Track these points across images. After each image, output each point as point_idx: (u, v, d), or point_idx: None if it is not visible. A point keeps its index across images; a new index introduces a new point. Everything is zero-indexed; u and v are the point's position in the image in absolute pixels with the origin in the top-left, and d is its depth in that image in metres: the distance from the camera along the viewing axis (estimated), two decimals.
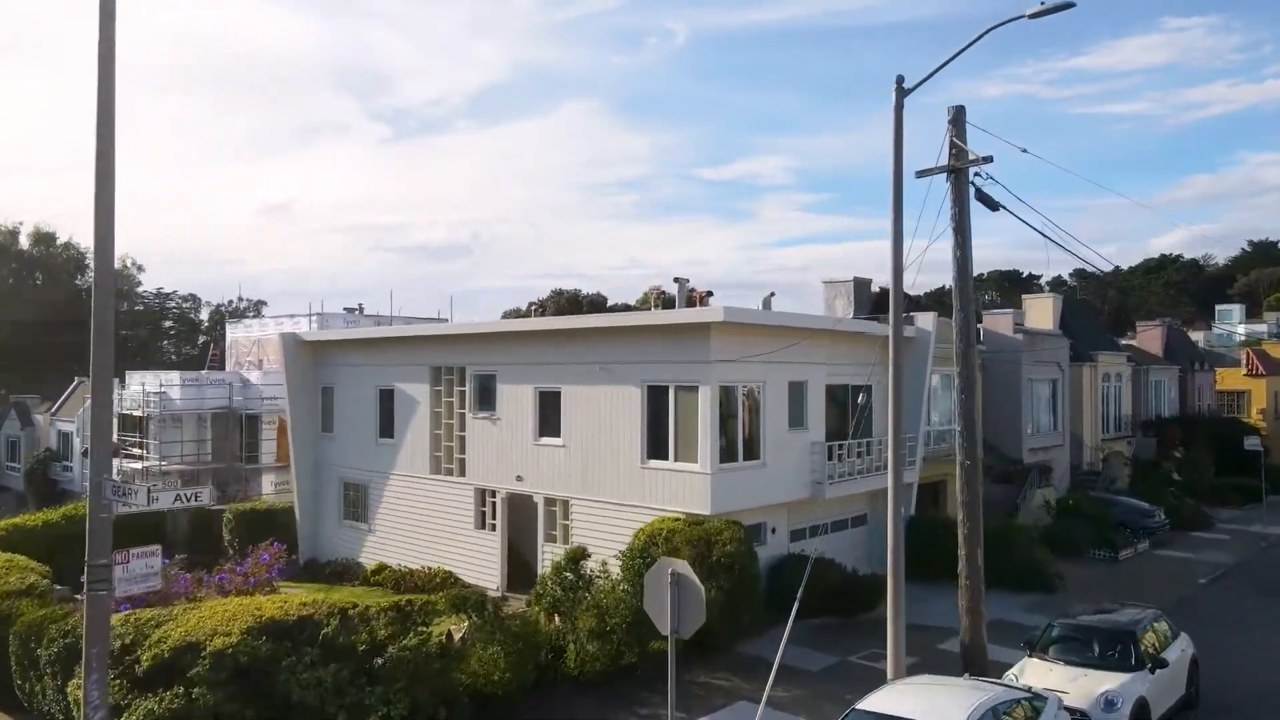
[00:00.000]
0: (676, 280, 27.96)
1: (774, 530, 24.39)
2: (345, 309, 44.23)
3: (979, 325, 35.91)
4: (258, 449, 40.09)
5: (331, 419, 31.96)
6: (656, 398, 22.86)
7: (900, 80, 16.40)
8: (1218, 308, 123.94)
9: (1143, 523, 32.50)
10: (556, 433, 25.02)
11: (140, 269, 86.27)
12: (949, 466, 31.13)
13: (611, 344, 23.71)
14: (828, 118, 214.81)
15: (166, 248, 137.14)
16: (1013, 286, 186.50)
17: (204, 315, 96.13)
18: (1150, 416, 45.92)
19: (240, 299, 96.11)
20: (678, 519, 21.52)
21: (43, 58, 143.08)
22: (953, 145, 17.94)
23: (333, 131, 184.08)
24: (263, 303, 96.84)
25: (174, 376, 40.75)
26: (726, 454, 22.19)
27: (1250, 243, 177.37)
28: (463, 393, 27.62)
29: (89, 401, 46.01)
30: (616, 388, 23.56)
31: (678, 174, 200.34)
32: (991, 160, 17.44)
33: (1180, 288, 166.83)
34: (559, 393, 24.96)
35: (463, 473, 27.57)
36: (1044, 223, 31.46)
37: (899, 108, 16.47)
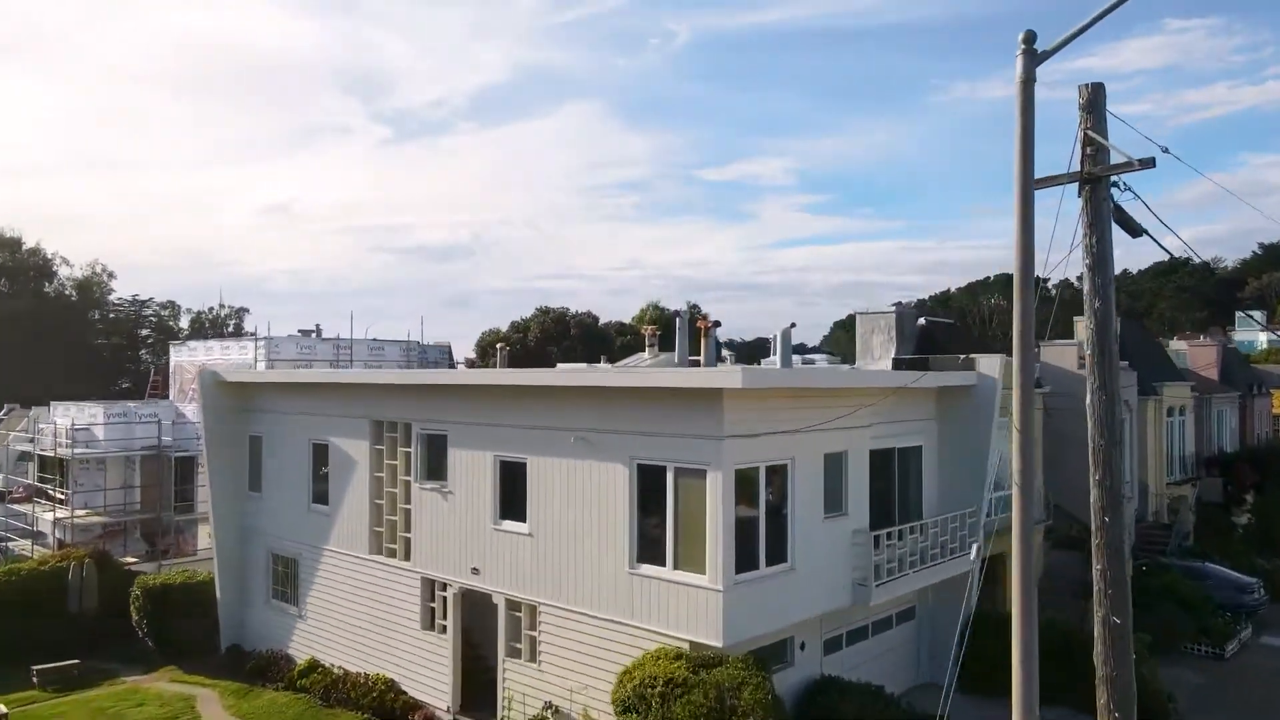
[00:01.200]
0: (677, 313, 21.90)
1: (803, 646, 18.30)
2: (300, 331, 38.13)
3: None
4: (192, 496, 34.02)
5: (259, 475, 25.85)
6: (650, 481, 16.76)
7: (1030, 39, 10.25)
8: (1238, 314, 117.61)
9: (1241, 600, 26.37)
10: (521, 516, 18.94)
11: (111, 276, 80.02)
12: (1007, 540, 25.14)
13: (592, 407, 17.61)
14: (829, 119, 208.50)
15: (166, 249, 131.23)
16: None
17: (184, 323, 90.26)
18: (1213, 452, 39.71)
19: (221, 305, 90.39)
20: (678, 655, 15.43)
21: (21, 62, 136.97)
22: (1087, 142, 11.82)
23: (334, 133, 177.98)
24: (244, 310, 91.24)
25: (98, 410, 34.63)
26: (744, 558, 16.08)
27: (1261, 245, 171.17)
28: (408, 455, 21.53)
29: (11, 438, 39.91)
30: (598, 464, 17.47)
31: (678, 175, 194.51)
32: (1154, 164, 11.36)
33: (1193, 292, 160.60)
34: (524, 465, 18.87)
35: (407, 555, 21.48)
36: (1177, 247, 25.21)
37: (1027, 81, 10.34)
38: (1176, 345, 51.48)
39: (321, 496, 23.76)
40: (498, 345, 22.12)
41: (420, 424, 21.15)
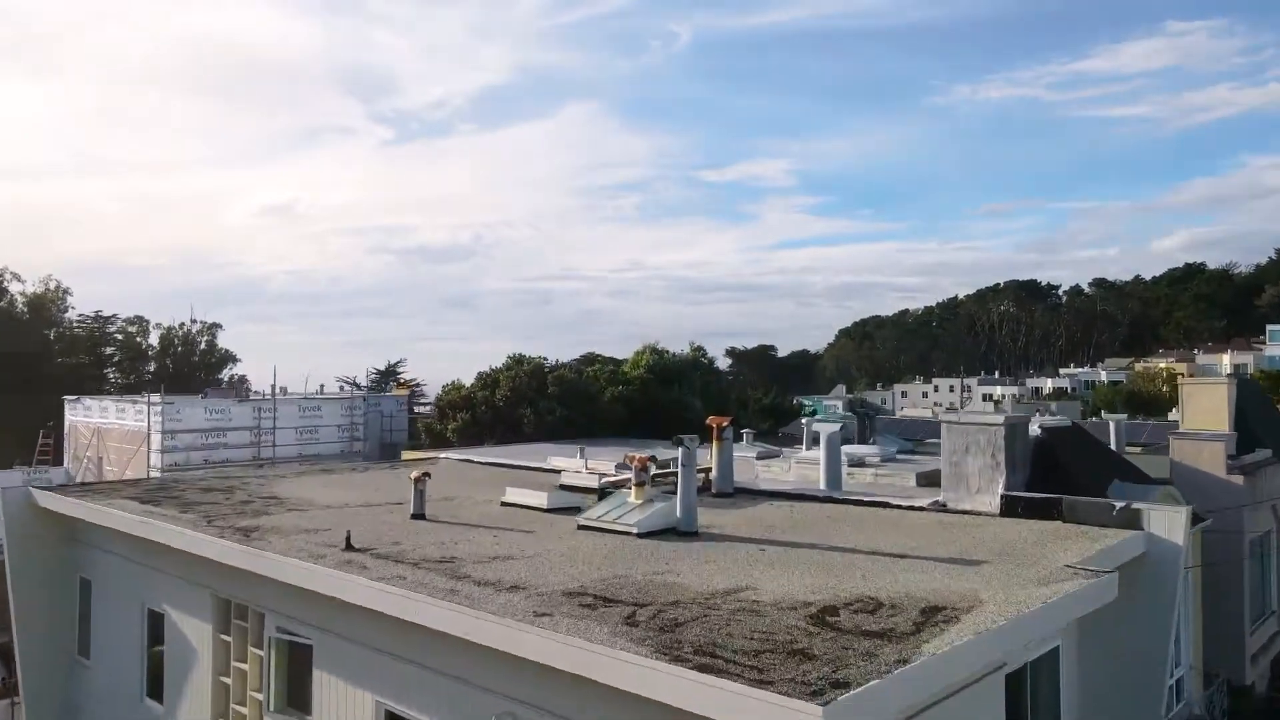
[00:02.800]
0: (681, 441, 13.73)
1: None
2: (221, 385, 30.04)
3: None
4: None
5: (89, 636, 17.74)
6: None
7: None
8: (1269, 328, 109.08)
9: None
10: None
11: (68, 293, 71.84)
12: None
13: (536, 679, 9.43)
14: (830, 120, 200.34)
15: (165, 250, 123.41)
16: (1031, 297, 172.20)
17: (153, 339, 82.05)
18: None
19: (193, 320, 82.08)
20: None
21: (19, 62, 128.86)
22: None
23: (335, 133, 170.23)
24: (218, 325, 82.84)
25: None
26: None
27: (1277, 251, 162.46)
28: (260, 660, 13.38)
29: None
30: None
31: (679, 176, 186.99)
32: None
33: (1210, 299, 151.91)
34: None
35: None
36: None
37: None
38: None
39: (155, 690, 15.62)
40: (413, 478, 13.96)
41: (275, 617, 12.99)
